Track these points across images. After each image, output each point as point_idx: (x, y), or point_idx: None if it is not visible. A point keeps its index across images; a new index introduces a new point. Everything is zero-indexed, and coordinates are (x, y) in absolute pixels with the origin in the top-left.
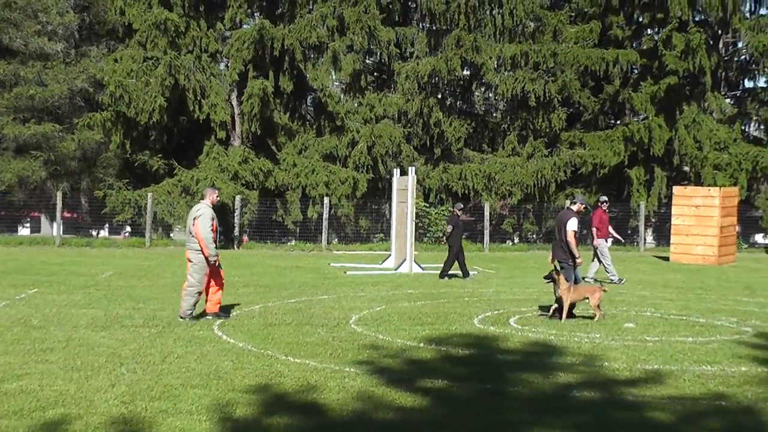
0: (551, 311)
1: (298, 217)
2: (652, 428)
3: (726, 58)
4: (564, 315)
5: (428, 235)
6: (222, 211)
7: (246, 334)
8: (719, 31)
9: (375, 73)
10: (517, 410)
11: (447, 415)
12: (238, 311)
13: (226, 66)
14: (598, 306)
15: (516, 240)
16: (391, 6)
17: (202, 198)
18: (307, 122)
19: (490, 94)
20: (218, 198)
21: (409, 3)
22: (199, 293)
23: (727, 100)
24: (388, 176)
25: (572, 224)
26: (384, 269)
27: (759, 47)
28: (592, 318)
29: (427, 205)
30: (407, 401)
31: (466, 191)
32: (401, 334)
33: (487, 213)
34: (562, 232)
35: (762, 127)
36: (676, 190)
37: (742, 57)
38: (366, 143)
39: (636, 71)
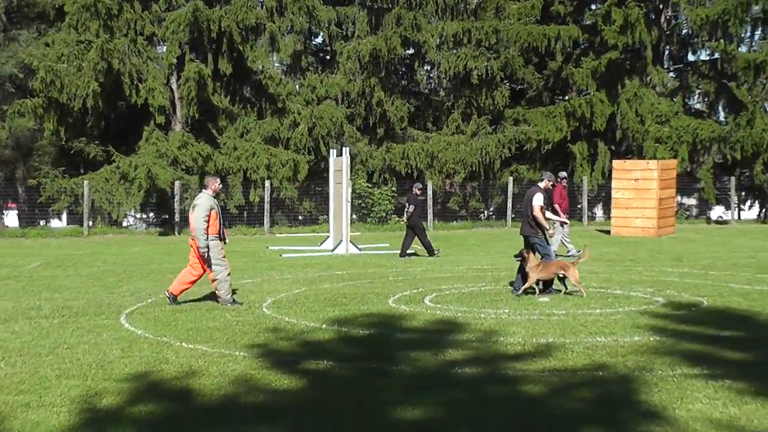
0: (537, 291)
1: (240, 201)
2: (523, 401)
3: (668, 32)
4: (522, 290)
5: (371, 215)
6: (162, 197)
7: (150, 321)
8: (660, 6)
9: (317, 54)
10: (393, 389)
11: (319, 397)
12: (154, 297)
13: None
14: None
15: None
16: None
17: (204, 187)
18: (249, 105)
19: (433, 73)
20: (220, 185)
21: None
22: (228, 274)
23: (670, 74)
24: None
25: (538, 199)
26: (321, 251)
27: (697, 21)
28: (570, 293)
29: (370, 185)
30: (283, 383)
31: (409, 170)
32: (309, 316)
33: (430, 192)
34: (529, 207)
35: (704, 99)
36: (616, 164)
37: (684, 31)
38: (307, 125)
39: (579, 47)
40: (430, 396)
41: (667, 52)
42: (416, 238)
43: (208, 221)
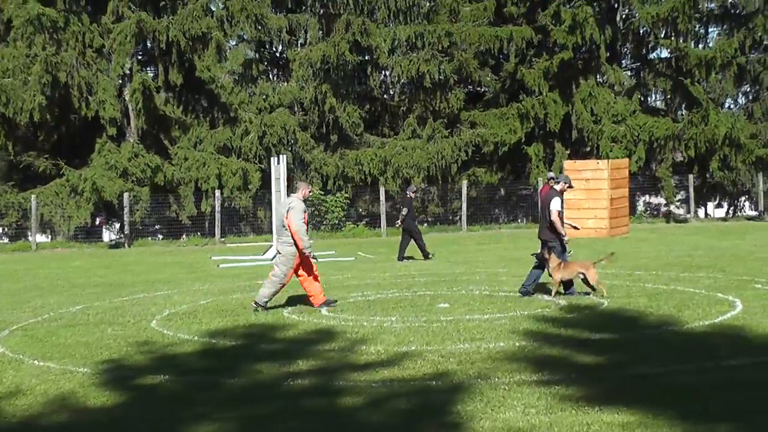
0: (554, 292)
1: (192, 211)
2: (333, 413)
3: (623, 30)
4: (553, 292)
5: (325, 222)
6: (110, 209)
7: (25, 338)
8: (615, 4)
9: (269, 62)
10: (208, 403)
11: (126, 413)
12: (53, 313)
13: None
14: (598, 281)
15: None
16: None
17: (294, 191)
18: (201, 115)
19: (387, 78)
20: (311, 192)
21: None
22: (282, 285)
23: (627, 73)
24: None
25: (555, 204)
26: (262, 260)
27: (649, 19)
28: (588, 294)
29: (323, 192)
30: (100, 401)
31: (363, 177)
32: (191, 328)
33: (382, 197)
34: (546, 212)
35: (662, 97)
36: (566, 164)
37: (642, 29)
38: (257, 133)
39: (533, 48)
40: (240, 410)
41: (625, 50)
42: (413, 240)
43: (306, 223)
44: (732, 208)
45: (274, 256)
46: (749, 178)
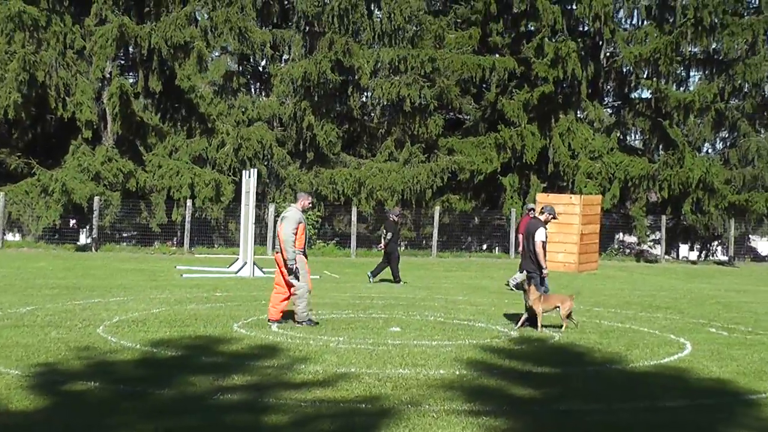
0: (520, 321)
1: (163, 219)
2: (254, 430)
3: (606, 68)
4: (539, 325)
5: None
6: (78, 212)
7: None
8: (600, 42)
9: (252, 76)
10: (133, 412)
11: (48, 418)
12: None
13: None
14: (569, 315)
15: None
16: (270, 7)
17: (294, 200)
18: (179, 123)
19: (367, 99)
20: (310, 203)
21: (285, 4)
22: (308, 292)
23: (607, 110)
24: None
25: (540, 235)
26: (227, 272)
27: (631, 58)
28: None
29: None
30: (22, 405)
31: (337, 196)
32: (136, 336)
33: (354, 218)
34: (530, 242)
35: (640, 137)
36: (539, 197)
37: (625, 68)
38: (232, 146)
39: (515, 79)
40: (162, 421)
41: (607, 88)
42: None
43: (296, 234)
44: (705, 252)
45: (238, 270)
46: (721, 223)
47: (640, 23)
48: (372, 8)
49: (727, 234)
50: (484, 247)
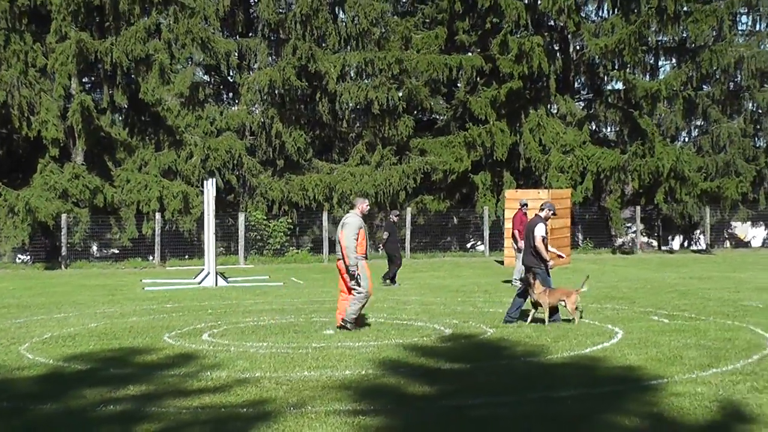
0: (530, 317)
1: (134, 234)
2: None
3: (576, 61)
4: (546, 319)
5: (267, 247)
6: (47, 231)
7: None
8: (568, 36)
9: (222, 86)
10: (3, 430)
11: None
12: None
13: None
14: (576, 308)
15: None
16: (234, 17)
17: (352, 207)
18: (147, 137)
19: (336, 103)
20: (368, 207)
21: (251, 13)
22: (367, 298)
23: (580, 104)
24: (227, 189)
25: (540, 230)
26: (190, 284)
27: (597, 50)
28: (570, 321)
29: (265, 217)
30: None
31: (308, 202)
32: (56, 352)
33: (325, 223)
34: (530, 238)
35: (613, 129)
36: (507, 193)
37: (594, 61)
38: (200, 157)
39: (484, 77)
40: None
41: (580, 81)
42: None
43: (356, 240)
44: (687, 241)
45: (201, 281)
46: (697, 211)
47: (607, 15)
48: (337, 12)
49: (703, 222)
50: (466, 245)
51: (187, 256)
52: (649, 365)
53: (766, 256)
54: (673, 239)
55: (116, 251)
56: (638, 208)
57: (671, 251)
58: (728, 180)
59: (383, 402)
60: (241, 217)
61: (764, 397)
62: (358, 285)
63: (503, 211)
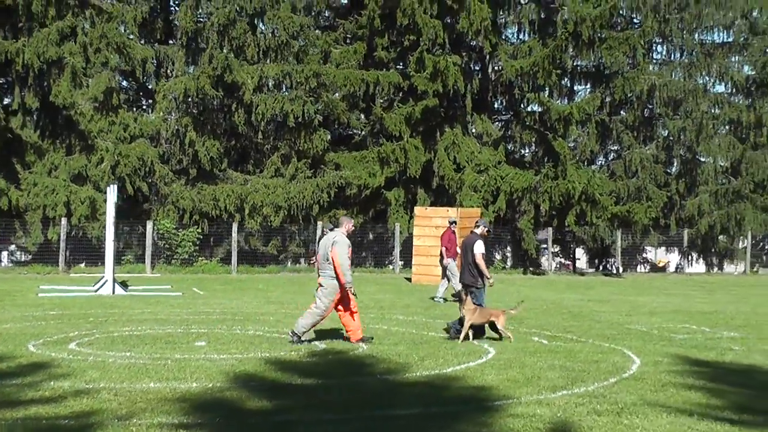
0: (462, 335)
1: (39, 239)
2: None
3: (494, 81)
4: (462, 335)
5: (176, 257)
6: None
7: None
8: (486, 56)
9: (139, 92)
10: None
11: None
12: None
13: None
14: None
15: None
16: (153, 24)
17: (337, 226)
18: (58, 141)
19: (252, 114)
20: (354, 227)
21: (171, 20)
22: (322, 317)
23: (497, 124)
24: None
25: (479, 246)
26: (88, 290)
27: (513, 72)
28: (500, 339)
29: (175, 226)
30: None
31: (219, 212)
32: None
33: (235, 234)
34: (469, 255)
35: (529, 150)
36: (417, 210)
37: (512, 82)
38: (110, 163)
39: (401, 93)
40: None
41: (498, 102)
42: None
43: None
44: (600, 264)
45: (98, 288)
46: (609, 234)
47: (526, 38)
48: (256, 24)
49: (615, 245)
50: (384, 262)
51: (97, 263)
52: (503, 386)
53: (675, 281)
54: (588, 262)
55: (17, 257)
56: (550, 229)
57: (582, 273)
58: (638, 205)
59: (213, 416)
60: (150, 226)
61: (602, 419)
62: (355, 296)
63: (414, 228)
